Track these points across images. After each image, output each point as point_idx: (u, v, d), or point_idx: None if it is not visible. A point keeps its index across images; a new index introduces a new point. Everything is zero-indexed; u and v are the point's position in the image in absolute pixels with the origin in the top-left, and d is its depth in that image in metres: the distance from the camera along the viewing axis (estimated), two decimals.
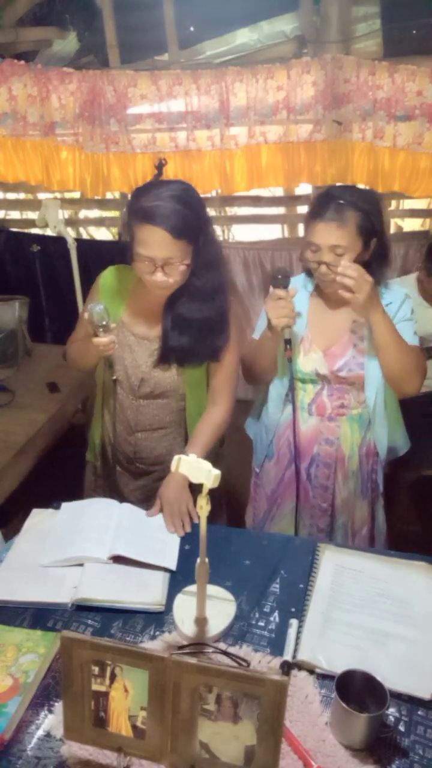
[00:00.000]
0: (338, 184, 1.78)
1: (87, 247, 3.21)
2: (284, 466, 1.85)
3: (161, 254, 1.42)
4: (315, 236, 1.56)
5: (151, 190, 1.45)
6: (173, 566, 1.40)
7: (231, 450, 1.93)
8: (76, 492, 1.82)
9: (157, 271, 1.45)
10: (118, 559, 1.39)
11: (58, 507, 1.61)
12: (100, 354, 1.54)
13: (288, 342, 1.62)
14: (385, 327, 1.57)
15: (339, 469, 1.80)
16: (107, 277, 1.69)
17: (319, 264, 1.59)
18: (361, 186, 1.74)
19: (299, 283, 1.75)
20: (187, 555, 1.45)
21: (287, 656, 1.17)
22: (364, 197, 1.59)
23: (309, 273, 1.75)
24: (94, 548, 1.41)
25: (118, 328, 1.62)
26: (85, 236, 4.24)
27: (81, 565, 1.39)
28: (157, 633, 1.25)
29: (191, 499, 1.56)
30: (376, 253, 1.62)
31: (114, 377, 1.65)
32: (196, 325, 1.57)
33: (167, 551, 1.45)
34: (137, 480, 1.79)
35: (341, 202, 1.55)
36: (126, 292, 1.66)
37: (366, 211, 1.56)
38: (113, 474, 1.81)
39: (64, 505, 1.60)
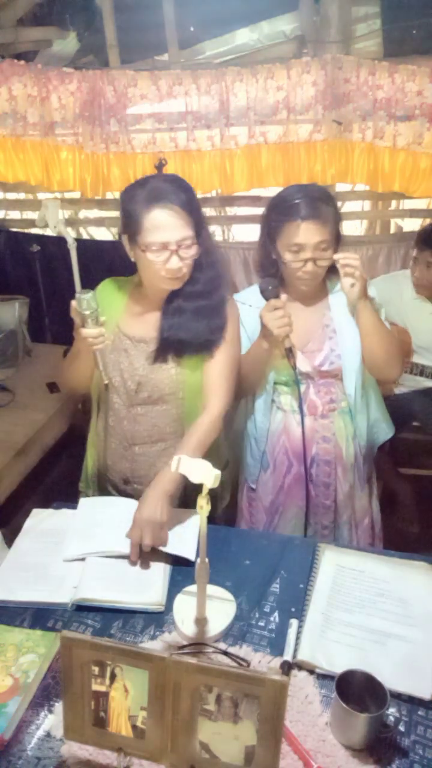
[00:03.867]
0: (294, 183, 1.78)
1: (87, 247, 3.20)
2: (283, 473, 1.84)
3: (176, 235, 1.42)
4: (299, 236, 1.57)
5: (145, 181, 1.46)
6: (192, 556, 1.40)
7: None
8: (76, 492, 1.81)
9: (173, 255, 1.43)
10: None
11: (58, 507, 1.62)
12: (89, 348, 1.48)
13: (289, 350, 1.63)
14: (371, 313, 1.62)
15: (338, 465, 1.81)
16: (103, 286, 1.67)
17: (304, 263, 1.60)
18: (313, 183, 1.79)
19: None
20: None
21: (287, 656, 1.17)
22: (327, 193, 1.65)
23: (271, 276, 1.71)
24: (118, 542, 1.41)
25: (115, 335, 1.59)
26: (85, 236, 4.23)
27: (83, 559, 1.41)
28: (157, 633, 1.25)
29: (164, 519, 1.41)
30: (336, 245, 1.66)
31: (105, 381, 1.58)
32: (192, 311, 1.54)
33: (186, 541, 1.45)
34: None
35: (314, 199, 1.57)
36: (123, 298, 1.64)
37: (334, 206, 1.62)
38: None
39: (83, 500, 1.60)
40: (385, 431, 1.89)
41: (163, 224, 1.41)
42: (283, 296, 1.65)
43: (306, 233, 1.56)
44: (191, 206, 1.44)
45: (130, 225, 1.46)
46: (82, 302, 1.42)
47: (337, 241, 1.65)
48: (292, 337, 1.69)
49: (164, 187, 1.43)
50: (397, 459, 2.74)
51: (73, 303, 1.43)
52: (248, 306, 1.74)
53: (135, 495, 1.64)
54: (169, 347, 1.56)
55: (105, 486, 1.72)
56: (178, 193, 1.42)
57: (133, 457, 1.64)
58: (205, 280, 1.55)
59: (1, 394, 2.65)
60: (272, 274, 1.70)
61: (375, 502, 1.93)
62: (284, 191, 1.68)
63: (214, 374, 1.59)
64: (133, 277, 1.64)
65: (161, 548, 1.40)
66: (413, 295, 2.46)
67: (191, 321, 1.54)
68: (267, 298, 1.62)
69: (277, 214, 1.63)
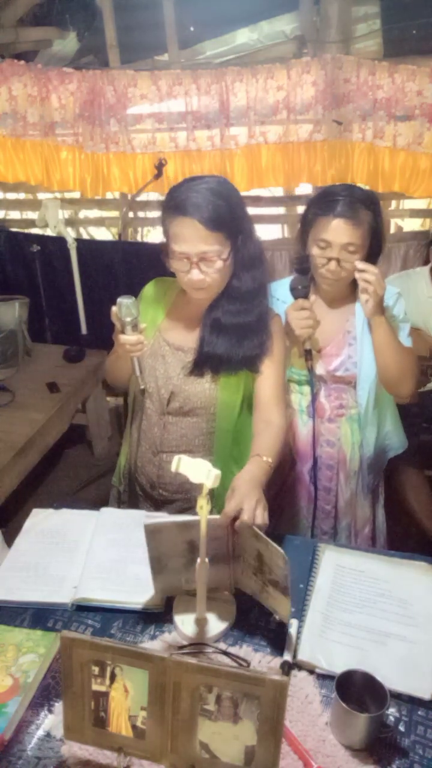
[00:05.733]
0: (341, 183, 1.76)
1: (87, 247, 3.21)
2: (284, 472, 1.84)
3: (195, 248, 1.35)
4: (328, 233, 1.55)
5: (184, 184, 1.41)
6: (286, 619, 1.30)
7: None
8: (76, 492, 1.81)
9: (193, 267, 1.38)
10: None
11: (58, 507, 1.61)
12: (127, 354, 1.43)
13: (309, 352, 1.62)
14: (385, 330, 1.59)
15: (341, 470, 1.80)
16: (149, 287, 1.64)
17: (328, 260, 1.58)
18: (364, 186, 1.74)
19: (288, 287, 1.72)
20: None
21: (287, 656, 1.17)
22: (372, 198, 1.60)
23: (301, 272, 1.71)
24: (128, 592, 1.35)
25: (155, 339, 1.56)
26: (85, 236, 4.23)
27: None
28: (157, 633, 1.25)
29: (256, 500, 1.25)
30: (375, 255, 1.63)
31: (142, 387, 1.52)
32: (232, 328, 1.47)
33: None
34: (159, 509, 1.65)
35: (355, 200, 1.54)
36: (166, 302, 1.60)
37: (375, 212, 1.58)
38: (136, 501, 1.71)
39: (102, 514, 1.57)
40: (397, 444, 1.85)
41: (183, 236, 1.36)
42: (312, 297, 1.64)
43: (336, 231, 1.54)
44: (220, 219, 1.34)
45: (163, 229, 1.43)
46: (122, 308, 1.38)
47: (374, 250, 1.61)
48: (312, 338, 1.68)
49: (192, 196, 1.34)
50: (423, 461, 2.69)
51: (114, 308, 1.39)
52: (276, 299, 1.70)
53: (161, 500, 1.63)
54: (207, 363, 1.50)
55: (134, 486, 1.71)
56: (205, 205, 1.33)
57: (160, 464, 1.61)
58: (245, 295, 1.47)
59: (1, 394, 2.65)
60: (305, 269, 1.68)
61: (380, 511, 1.92)
62: (331, 186, 1.66)
63: (269, 388, 1.52)
64: None
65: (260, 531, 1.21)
66: (429, 293, 2.45)
67: (232, 340, 1.48)
68: (295, 297, 1.61)
69: (316, 206, 1.61)
